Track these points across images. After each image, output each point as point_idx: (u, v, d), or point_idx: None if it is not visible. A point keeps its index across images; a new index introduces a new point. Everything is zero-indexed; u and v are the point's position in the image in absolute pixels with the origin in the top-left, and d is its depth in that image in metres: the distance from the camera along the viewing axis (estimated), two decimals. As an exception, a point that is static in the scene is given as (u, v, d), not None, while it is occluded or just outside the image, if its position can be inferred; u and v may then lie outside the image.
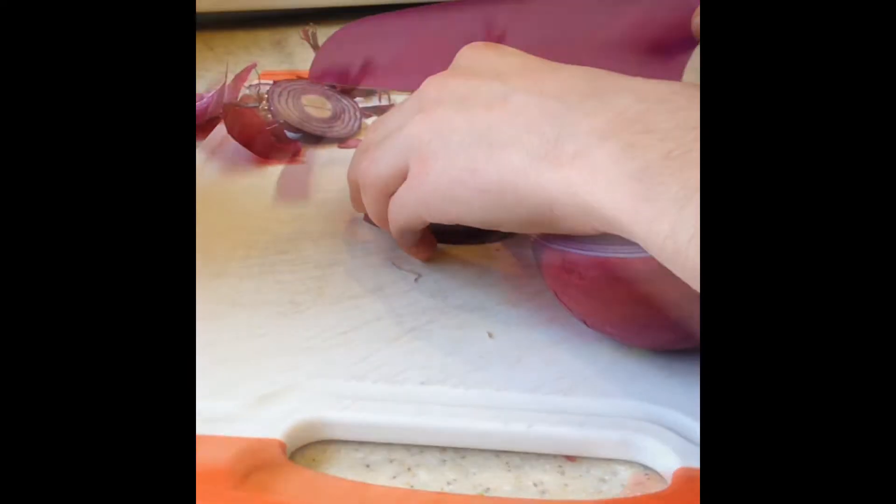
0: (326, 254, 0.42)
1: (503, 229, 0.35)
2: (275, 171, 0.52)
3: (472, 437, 0.32)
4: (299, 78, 0.61)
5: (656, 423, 0.32)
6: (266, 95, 0.56)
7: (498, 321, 0.37)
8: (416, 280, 0.40)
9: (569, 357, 0.35)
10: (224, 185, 0.50)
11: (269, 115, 0.55)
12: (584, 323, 0.35)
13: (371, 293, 0.39)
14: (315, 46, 0.60)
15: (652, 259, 0.31)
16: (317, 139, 0.55)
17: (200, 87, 0.61)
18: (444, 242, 0.42)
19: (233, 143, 0.53)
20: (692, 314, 0.32)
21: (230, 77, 0.60)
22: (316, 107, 0.56)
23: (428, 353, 0.35)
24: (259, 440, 0.30)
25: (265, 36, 0.81)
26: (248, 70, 0.61)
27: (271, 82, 0.58)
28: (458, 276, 0.41)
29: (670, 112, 0.29)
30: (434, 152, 0.34)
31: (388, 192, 0.38)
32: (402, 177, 0.36)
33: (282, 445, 0.30)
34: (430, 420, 0.32)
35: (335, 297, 0.39)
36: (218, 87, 0.59)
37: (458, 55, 0.37)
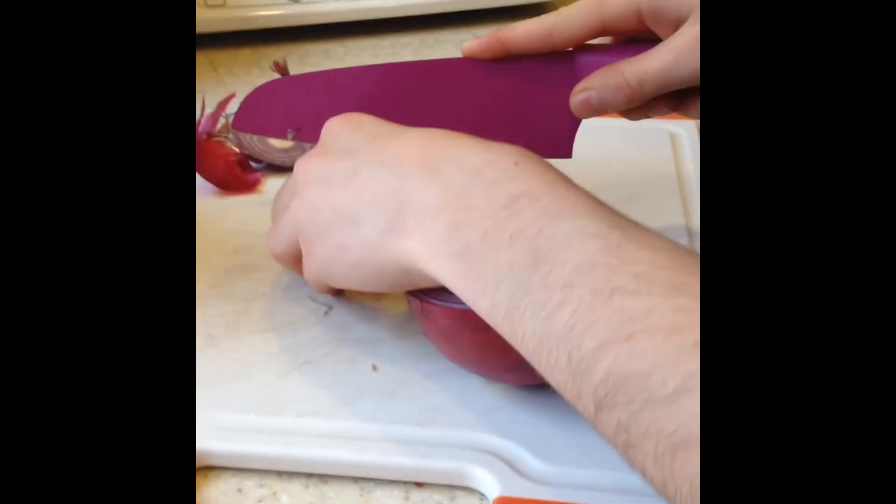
0: (254, 287, 0.47)
1: (385, 291, 0.39)
2: (233, 201, 0.57)
3: (332, 465, 0.36)
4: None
5: (492, 453, 0.36)
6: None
7: (386, 354, 0.42)
8: (325, 314, 0.45)
9: (438, 390, 0.39)
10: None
11: (235, 147, 0.60)
12: (448, 358, 0.39)
13: (282, 326, 0.44)
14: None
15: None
16: (279, 168, 0.60)
17: (203, 107, 0.66)
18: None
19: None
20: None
21: (212, 106, 0.65)
22: (279, 137, 0.61)
23: (313, 386, 0.40)
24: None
25: (269, 53, 0.86)
26: (227, 100, 0.66)
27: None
28: (365, 309, 0.45)
29: (485, 187, 0.34)
30: (312, 236, 0.39)
31: (296, 260, 0.42)
32: (298, 251, 0.41)
33: (161, 473, 0.35)
34: (297, 450, 0.37)
35: (249, 331, 0.44)
36: (197, 118, 0.64)
37: (323, 129, 0.41)
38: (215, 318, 0.45)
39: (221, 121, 0.65)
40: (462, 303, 0.36)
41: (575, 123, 0.46)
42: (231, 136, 0.61)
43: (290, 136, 0.48)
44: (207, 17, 0.85)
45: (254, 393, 0.39)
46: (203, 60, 0.84)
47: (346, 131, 0.40)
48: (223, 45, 0.86)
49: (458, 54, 0.87)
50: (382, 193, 0.36)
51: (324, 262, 0.39)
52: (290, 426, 0.38)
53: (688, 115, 0.47)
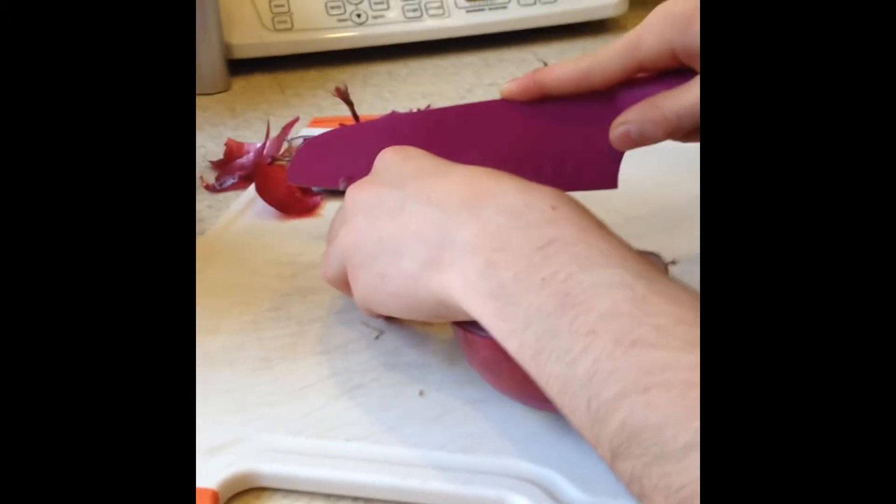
0: (311, 310, 0.49)
1: (422, 320, 0.41)
2: (293, 224, 0.59)
3: (377, 489, 0.38)
4: (341, 126, 0.68)
5: (531, 481, 0.37)
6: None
7: (434, 379, 0.43)
8: (376, 338, 0.46)
9: (481, 417, 0.41)
10: (245, 241, 0.57)
11: (297, 171, 0.62)
12: (491, 385, 0.40)
13: (335, 350, 0.46)
14: (349, 102, 0.67)
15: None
16: (338, 192, 0.62)
17: (268, 131, 0.68)
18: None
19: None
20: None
21: (276, 130, 0.67)
22: (332, 187, 0.63)
23: (362, 410, 0.41)
24: (197, 489, 0.37)
25: (334, 74, 0.88)
26: (290, 124, 0.68)
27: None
28: (414, 335, 0.46)
29: (521, 228, 0.35)
30: (357, 263, 0.41)
31: (346, 285, 0.43)
32: (347, 276, 0.42)
33: (214, 494, 0.37)
34: (345, 474, 0.38)
35: (303, 354, 0.45)
36: (262, 142, 0.67)
37: (376, 159, 0.43)
38: (272, 340, 0.47)
39: (284, 145, 0.67)
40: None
41: (618, 155, 0.47)
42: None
43: (342, 185, 0.50)
44: (276, 41, 0.88)
45: (305, 416, 0.41)
46: (272, 83, 0.87)
47: (396, 163, 0.42)
48: (291, 68, 0.89)
49: (519, 73, 0.89)
50: (426, 228, 0.37)
51: (366, 288, 0.40)
52: (339, 450, 0.39)
53: None
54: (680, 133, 0.45)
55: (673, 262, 0.52)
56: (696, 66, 0.44)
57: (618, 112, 0.45)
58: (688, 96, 0.43)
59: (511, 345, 0.34)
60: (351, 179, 0.48)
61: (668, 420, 0.28)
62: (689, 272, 0.51)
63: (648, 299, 0.31)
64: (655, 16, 0.44)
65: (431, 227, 0.37)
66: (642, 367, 0.29)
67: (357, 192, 0.42)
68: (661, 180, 0.60)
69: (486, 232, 0.36)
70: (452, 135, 0.48)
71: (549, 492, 0.36)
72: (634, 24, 0.45)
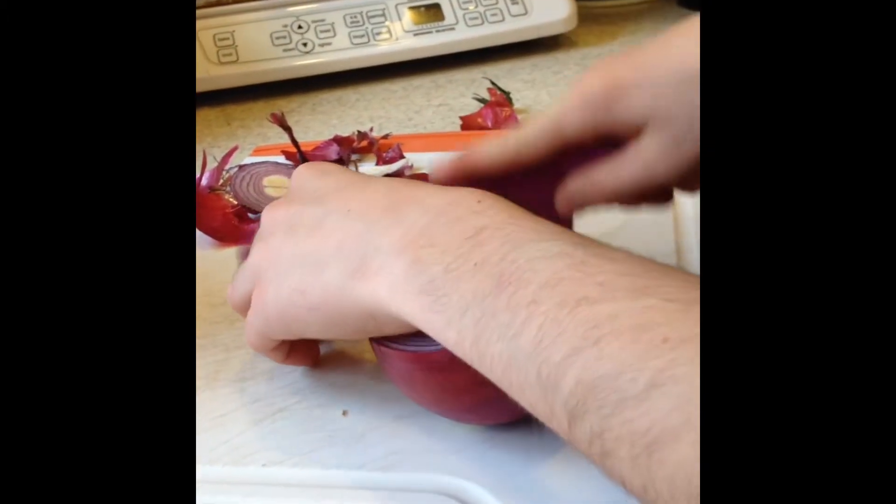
0: (237, 336, 0.47)
1: (345, 339, 0.39)
2: (230, 253, 0.57)
3: (293, 514, 0.36)
4: (284, 153, 0.67)
5: (454, 496, 0.35)
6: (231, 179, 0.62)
7: (359, 397, 0.42)
8: (300, 362, 0.45)
9: (405, 433, 0.39)
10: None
11: (233, 199, 0.61)
12: (412, 400, 0.39)
13: (260, 375, 0.44)
14: (286, 128, 0.66)
15: (445, 350, 0.35)
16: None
17: (204, 161, 0.67)
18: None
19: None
20: (486, 397, 0.36)
21: (214, 160, 0.66)
22: (276, 187, 0.62)
23: (282, 434, 0.40)
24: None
25: (282, 104, 0.87)
26: (230, 153, 0.67)
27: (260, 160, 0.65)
28: (342, 353, 0.45)
29: (447, 224, 0.34)
30: (269, 278, 0.39)
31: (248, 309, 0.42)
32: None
33: (122, 529, 0.35)
34: (258, 500, 0.37)
35: (227, 381, 0.44)
36: (200, 172, 0.65)
37: (292, 178, 0.41)
38: (196, 369, 0.45)
39: (223, 175, 0.66)
40: (417, 345, 0.36)
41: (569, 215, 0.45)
42: (229, 188, 0.62)
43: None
44: (221, 74, 0.87)
45: (222, 444, 0.40)
46: (219, 115, 0.86)
47: (313, 179, 0.40)
48: (238, 100, 0.88)
49: (469, 92, 0.87)
50: (348, 241, 0.36)
51: (277, 304, 0.38)
52: (255, 476, 0.38)
53: (691, 192, 0.45)
54: (624, 203, 0.43)
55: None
56: (620, 141, 0.42)
57: (561, 171, 0.43)
58: (624, 173, 0.42)
59: (449, 336, 0.32)
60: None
61: (622, 366, 0.27)
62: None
63: (588, 262, 0.30)
64: (575, 96, 0.42)
65: (354, 240, 0.36)
66: (589, 323, 0.28)
67: (273, 212, 0.40)
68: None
69: (411, 233, 0.34)
70: None
71: (470, 505, 0.35)
72: (585, 40, 0.42)
